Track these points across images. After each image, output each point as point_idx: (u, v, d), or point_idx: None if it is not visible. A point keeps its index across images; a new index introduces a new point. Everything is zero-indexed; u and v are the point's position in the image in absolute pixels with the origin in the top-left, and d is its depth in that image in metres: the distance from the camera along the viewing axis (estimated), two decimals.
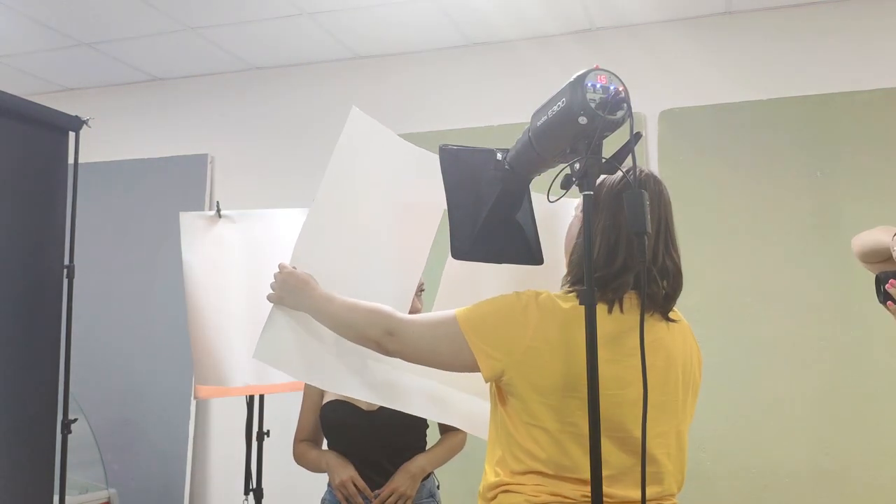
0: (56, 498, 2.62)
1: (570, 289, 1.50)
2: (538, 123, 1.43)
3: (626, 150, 1.39)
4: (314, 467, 2.25)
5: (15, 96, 2.58)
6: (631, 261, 1.44)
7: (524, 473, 1.46)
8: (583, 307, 1.42)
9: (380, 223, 1.85)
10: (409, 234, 1.89)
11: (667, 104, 3.38)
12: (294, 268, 1.71)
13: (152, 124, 4.25)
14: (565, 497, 1.42)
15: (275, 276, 1.70)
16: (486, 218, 1.61)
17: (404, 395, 1.83)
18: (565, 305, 1.45)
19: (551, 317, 1.44)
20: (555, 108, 1.37)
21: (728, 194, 3.25)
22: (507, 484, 1.47)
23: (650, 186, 1.47)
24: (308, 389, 2.30)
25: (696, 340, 1.62)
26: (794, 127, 3.21)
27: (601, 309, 1.42)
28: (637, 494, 1.41)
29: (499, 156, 1.60)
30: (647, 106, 3.37)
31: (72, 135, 2.76)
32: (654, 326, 1.48)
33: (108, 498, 3.61)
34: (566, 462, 1.43)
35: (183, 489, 3.80)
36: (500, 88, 3.63)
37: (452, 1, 3.28)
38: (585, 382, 1.39)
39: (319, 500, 2.27)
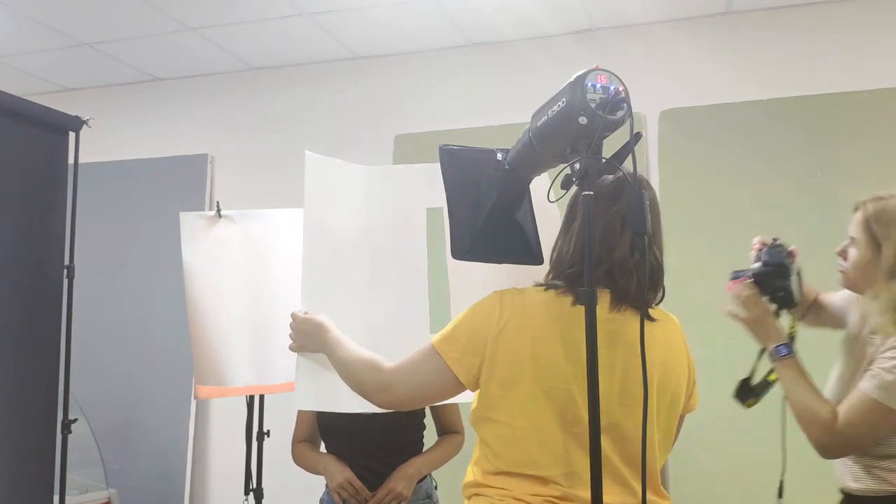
0: (56, 498, 2.62)
1: (543, 283, 1.50)
2: (538, 123, 1.43)
3: (626, 150, 1.39)
4: (312, 469, 2.25)
5: (15, 96, 2.58)
6: (606, 256, 1.45)
7: (494, 474, 1.46)
8: (548, 297, 1.45)
9: (372, 245, 1.88)
10: (402, 245, 1.91)
11: (667, 104, 3.38)
12: (306, 313, 1.72)
13: (152, 124, 4.25)
14: (525, 502, 1.41)
15: (290, 325, 1.72)
16: (487, 218, 1.61)
17: None
18: (531, 297, 1.46)
19: (516, 310, 1.45)
20: (555, 108, 1.37)
21: (728, 194, 3.25)
22: (480, 486, 1.48)
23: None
24: None
25: (685, 343, 1.58)
26: (794, 127, 3.21)
27: (567, 302, 1.43)
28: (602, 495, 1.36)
29: (499, 156, 1.60)
30: (647, 106, 3.37)
31: (72, 135, 2.76)
32: (627, 324, 1.45)
33: (108, 498, 3.61)
34: (524, 458, 1.42)
35: (183, 489, 3.80)
36: (500, 88, 3.63)
37: (452, 1, 3.28)
38: (550, 373, 1.40)
39: (318, 501, 2.27)
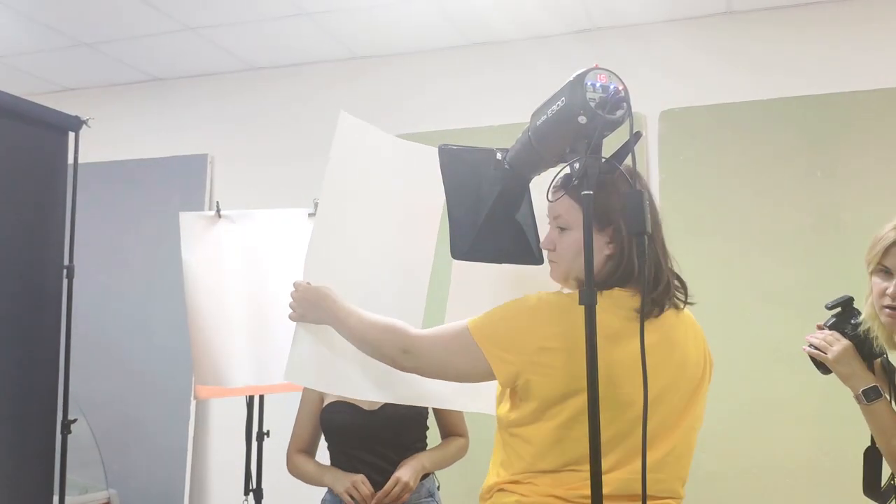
0: (56, 498, 2.62)
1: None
2: (538, 123, 1.43)
3: (626, 149, 1.39)
4: (313, 481, 2.23)
5: (15, 96, 2.58)
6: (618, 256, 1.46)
7: (526, 472, 1.46)
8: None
9: (385, 224, 1.86)
10: (414, 231, 1.89)
11: (667, 104, 3.38)
12: (308, 283, 1.70)
13: (152, 124, 4.25)
14: (558, 497, 1.42)
15: (291, 294, 1.70)
16: (487, 218, 1.61)
17: (429, 393, 1.85)
18: (570, 303, 1.45)
19: (561, 315, 1.44)
20: (554, 107, 1.37)
21: (728, 194, 3.25)
22: (505, 483, 1.48)
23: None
24: (306, 396, 2.28)
25: (705, 340, 1.62)
26: (794, 127, 3.21)
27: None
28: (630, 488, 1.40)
29: (499, 155, 1.60)
30: (647, 106, 3.37)
31: (72, 135, 2.76)
32: (659, 322, 1.48)
33: (108, 498, 3.61)
34: (574, 457, 1.42)
35: (183, 489, 3.80)
36: (500, 88, 3.63)
37: (452, 1, 3.28)
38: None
39: (320, 501, 2.27)
